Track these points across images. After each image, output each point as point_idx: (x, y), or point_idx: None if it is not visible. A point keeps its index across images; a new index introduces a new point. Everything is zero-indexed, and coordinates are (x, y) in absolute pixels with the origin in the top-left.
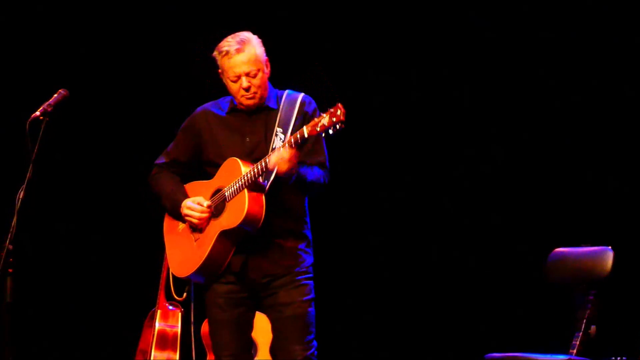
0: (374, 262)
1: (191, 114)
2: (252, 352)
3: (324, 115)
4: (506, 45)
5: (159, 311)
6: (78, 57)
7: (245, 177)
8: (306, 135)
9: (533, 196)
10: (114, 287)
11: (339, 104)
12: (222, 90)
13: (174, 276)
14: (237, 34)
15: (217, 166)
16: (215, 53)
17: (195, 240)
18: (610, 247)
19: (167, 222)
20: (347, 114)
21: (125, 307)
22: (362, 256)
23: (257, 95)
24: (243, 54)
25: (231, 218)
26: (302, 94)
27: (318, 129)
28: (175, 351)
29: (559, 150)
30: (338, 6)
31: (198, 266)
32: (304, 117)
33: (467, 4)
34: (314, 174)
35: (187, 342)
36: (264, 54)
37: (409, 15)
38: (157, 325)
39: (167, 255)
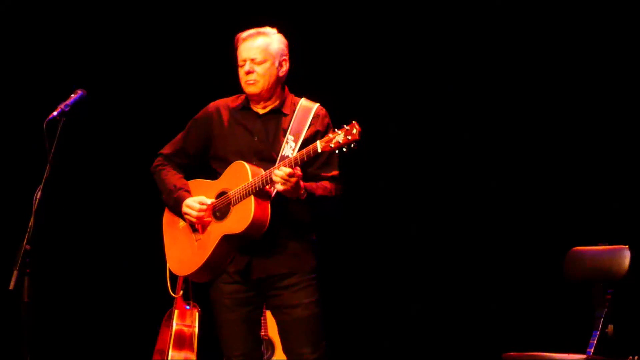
0: (391, 260)
1: (206, 106)
2: (270, 351)
3: (339, 132)
4: (522, 42)
5: (176, 311)
6: (96, 57)
7: (253, 184)
8: (319, 151)
9: (551, 195)
10: (132, 287)
11: (355, 122)
12: (237, 88)
13: (170, 272)
14: (262, 27)
15: (223, 161)
16: (235, 38)
17: (196, 240)
18: (627, 247)
19: (168, 217)
20: (362, 132)
21: (142, 306)
22: (377, 254)
23: (259, 85)
24: (254, 40)
25: (236, 223)
26: (317, 105)
27: (332, 146)
28: (193, 351)
29: (578, 149)
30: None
31: (198, 267)
32: (316, 132)
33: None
34: (324, 189)
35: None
36: (282, 52)
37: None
38: (175, 325)
39: (166, 251)
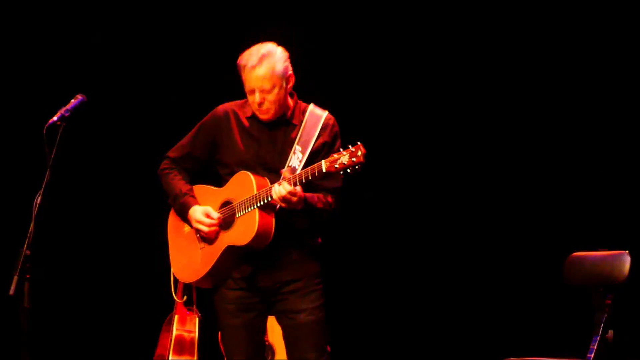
0: (392, 265)
1: (214, 110)
2: (270, 356)
3: (344, 153)
4: (523, 49)
5: (176, 316)
6: (96, 62)
7: (258, 197)
8: (324, 171)
9: (551, 200)
10: (132, 292)
11: (360, 145)
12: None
13: (174, 277)
14: (261, 45)
15: (229, 168)
16: (237, 62)
17: (201, 249)
18: (627, 252)
19: (172, 221)
20: (367, 154)
21: (142, 312)
22: (379, 259)
23: (271, 111)
24: (259, 69)
25: (240, 235)
26: (325, 114)
27: (337, 166)
28: (193, 356)
29: (578, 154)
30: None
31: (202, 275)
32: (324, 143)
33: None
34: (324, 203)
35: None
36: (287, 69)
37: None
38: (175, 330)
39: (170, 256)
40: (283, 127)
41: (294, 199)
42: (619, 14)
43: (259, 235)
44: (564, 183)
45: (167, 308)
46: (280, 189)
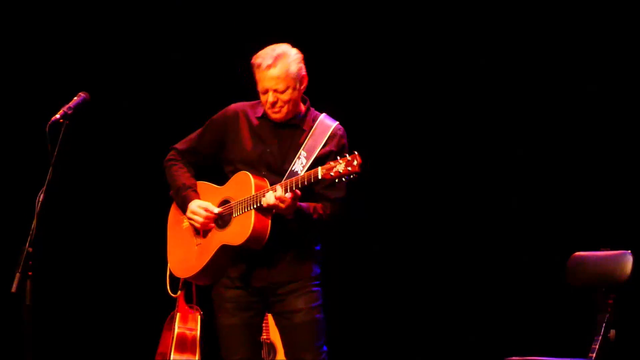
0: (393, 265)
1: (225, 108)
2: (272, 355)
3: (340, 161)
4: (525, 50)
5: (178, 314)
6: (99, 59)
7: (255, 198)
8: (320, 177)
9: (553, 200)
10: (134, 290)
11: (357, 154)
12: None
13: (170, 272)
14: (276, 46)
15: (233, 167)
16: (251, 61)
17: (197, 245)
18: (629, 252)
19: (173, 215)
20: (362, 164)
21: (144, 310)
22: (380, 259)
23: (284, 111)
24: (274, 69)
25: (235, 235)
26: (336, 124)
27: (332, 174)
28: (195, 354)
29: (580, 154)
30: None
31: (197, 271)
32: (330, 152)
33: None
34: (321, 213)
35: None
36: (301, 71)
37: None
38: (177, 328)
39: (168, 250)
40: (291, 130)
41: (282, 205)
42: (618, 14)
43: (253, 237)
44: (566, 183)
45: (169, 306)
46: (269, 196)
